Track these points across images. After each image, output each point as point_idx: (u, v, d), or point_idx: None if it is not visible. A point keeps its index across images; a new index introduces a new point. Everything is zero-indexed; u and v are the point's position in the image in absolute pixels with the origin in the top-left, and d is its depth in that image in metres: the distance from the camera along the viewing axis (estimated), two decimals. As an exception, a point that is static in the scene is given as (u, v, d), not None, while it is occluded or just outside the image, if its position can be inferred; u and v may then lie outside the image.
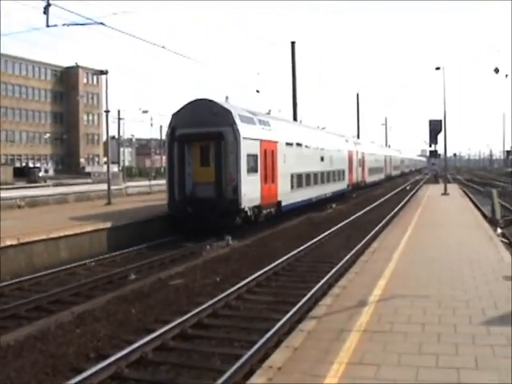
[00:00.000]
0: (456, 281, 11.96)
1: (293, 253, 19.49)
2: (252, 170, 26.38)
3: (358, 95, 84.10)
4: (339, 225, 27.65)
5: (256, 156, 26.92)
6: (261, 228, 27.17)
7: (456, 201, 37.68)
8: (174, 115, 26.37)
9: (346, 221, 29.40)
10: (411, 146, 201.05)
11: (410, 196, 46.54)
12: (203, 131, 25.23)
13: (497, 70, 42.73)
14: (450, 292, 10.90)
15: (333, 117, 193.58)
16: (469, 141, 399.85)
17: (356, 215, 32.23)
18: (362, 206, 37.80)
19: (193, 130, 25.46)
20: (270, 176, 28.41)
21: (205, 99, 26.01)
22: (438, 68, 44.93)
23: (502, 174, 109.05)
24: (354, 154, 54.82)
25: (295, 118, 47.76)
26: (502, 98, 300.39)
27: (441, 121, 47.19)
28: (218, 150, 25.26)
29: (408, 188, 64.53)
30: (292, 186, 32.24)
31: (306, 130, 41.66)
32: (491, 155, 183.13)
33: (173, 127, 26.06)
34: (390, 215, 30.90)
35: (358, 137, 79.27)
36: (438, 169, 69.61)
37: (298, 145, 34.24)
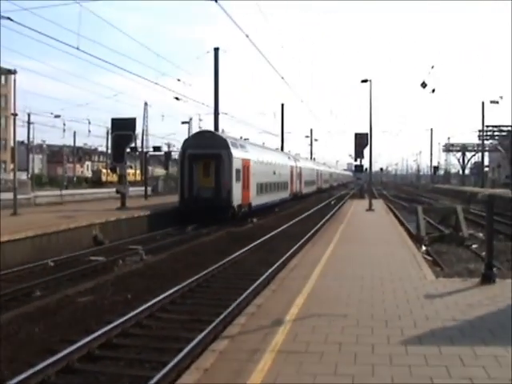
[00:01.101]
0: (376, 299, 12.20)
1: (210, 269, 19.48)
2: (237, 179, 38.98)
3: (282, 106, 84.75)
4: (260, 240, 27.81)
5: (239, 170, 39.52)
6: (179, 242, 27.24)
7: (381, 217, 38.48)
8: (186, 140, 40.42)
9: (268, 236, 29.61)
10: (337, 160, 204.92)
11: (333, 211, 47.20)
12: (206, 152, 37.74)
13: (424, 85, 43.84)
14: (369, 311, 11.11)
15: (257, 126, 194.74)
16: (396, 156, 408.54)
17: (278, 230, 32.49)
18: (284, 221, 38.11)
19: (199, 151, 37.77)
20: (246, 184, 41.11)
21: (208, 130, 42.85)
22: (364, 81, 45.77)
23: (428, 189, 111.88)
24: (294, 168, 66.83)
25: (216, 128, 48.01)
26: (429, 113, 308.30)
27: (367, 134, 48.12)
28: (217, 165, 37.69)
29: (333, 203, 65.41)
30: (257, 192, 45.09)
31: (263, 149, 56.53)
32: (418, 171, 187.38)
33: (184, 148, 38.64)
34: (312, 231, 31.25)
35: (282, 149, 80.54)
36: (364, 184, 70.77)
37: (261, 162, 47.54)
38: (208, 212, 35.89)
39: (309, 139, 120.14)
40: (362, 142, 50.66)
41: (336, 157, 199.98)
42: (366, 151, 51.19)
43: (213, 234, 31.58)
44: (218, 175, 37.57)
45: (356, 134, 51.83)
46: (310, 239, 26.86)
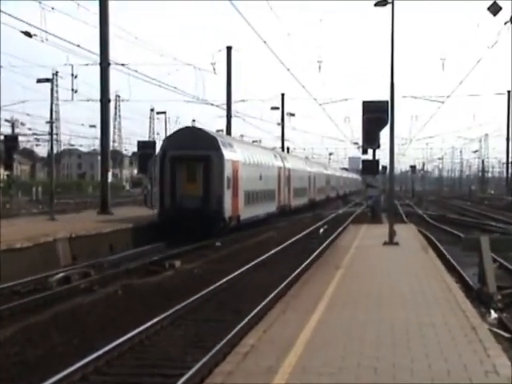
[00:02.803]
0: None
1: (93, 357, 19.25)
2: (228, 186, 54.05)
3: (229, 50, 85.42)
4: (187, 300, 27.63)
5: (230, 174, 54.82)
6: (36, 307, 27.84)
7: (411, 256, 38.67)
8: (166, 139, 56.53)
9: (202, 292, 29.43)
10: (330, 152, 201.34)
11: (323, 247, 47.36)
12: (192, 154, 52.65)
13: (496, 9, 43.83)
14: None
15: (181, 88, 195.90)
16: (441, 144, 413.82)
17: (220, 281, 32.33)
18: (229, 267, 37.93)
19: (183, 152, 52.67)
20: (235, 192, 56.85)
21: (193, 127, 60.76)
22: (381, 2, 45.14)
23: (501, 206, 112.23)
24: (282, 171, 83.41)
25: (105, 89, 48.95)
26: (500, 67, 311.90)
27: (386, 103, 47.30)
28: (206, 169, 52.14)
29: (321, 232, 65.67)
30: (245, 203, 60.84)
31: (247, 146, 77.30)
32: (483, 170, 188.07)
33: (164, 149, 53.80)
34: (283, 284, 31.20)
35: (229, 130, 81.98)
36: (381, 195, 70.44)
37: (248, 164, 63.93)
38: (194, 225, 49.71)
39: (278, 113, 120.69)
40: (376, 118, 50.14)
41: (328, 146, 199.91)
42: (385, 135, 50.88)
43: (97, 291, 31.32)
44: (207, 181, 52.48)
45: (364, 104, 51.61)
46: (278, 299, 26.78)
